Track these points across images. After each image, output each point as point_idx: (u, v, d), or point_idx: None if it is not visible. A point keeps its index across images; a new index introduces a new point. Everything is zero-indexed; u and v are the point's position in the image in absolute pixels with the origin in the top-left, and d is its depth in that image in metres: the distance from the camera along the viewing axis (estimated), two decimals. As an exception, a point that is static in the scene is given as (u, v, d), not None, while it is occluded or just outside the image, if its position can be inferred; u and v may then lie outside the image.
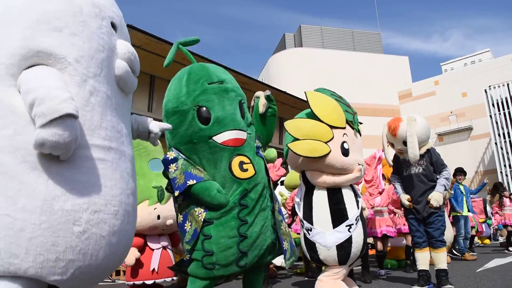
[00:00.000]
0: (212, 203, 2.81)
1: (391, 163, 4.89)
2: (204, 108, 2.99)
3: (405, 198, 4.54)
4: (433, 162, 4.58)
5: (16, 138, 1.63)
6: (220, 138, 2.97)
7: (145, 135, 2.44)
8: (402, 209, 4.96)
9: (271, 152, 3.32)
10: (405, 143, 4.54)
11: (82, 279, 1.76)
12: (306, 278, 5.88)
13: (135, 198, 2.08)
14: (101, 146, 1.83)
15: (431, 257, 4.45)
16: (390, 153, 5.01)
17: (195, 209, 2.86)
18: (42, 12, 1.76)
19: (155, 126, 2.46)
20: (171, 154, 3.02)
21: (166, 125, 2.59)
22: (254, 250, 2.85)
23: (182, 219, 2.96)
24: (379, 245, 6.18)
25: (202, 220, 2.80)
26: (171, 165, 2.98)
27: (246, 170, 2.97)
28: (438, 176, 4.54)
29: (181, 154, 3.03)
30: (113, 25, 2.07)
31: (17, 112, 1.65)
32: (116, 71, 2.00)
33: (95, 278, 1.88)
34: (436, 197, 4.38)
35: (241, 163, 2.97)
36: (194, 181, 2.83)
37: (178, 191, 2.87)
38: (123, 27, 2.20)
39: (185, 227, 2.89)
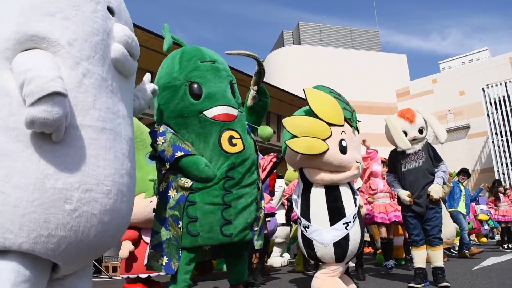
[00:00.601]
0: (200, 176, 2.84)
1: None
2: (196, 84, 3.06)
3: (405, 195, 4.49)
4: (431, 156, 4.60)
5: (10, 119, 1.70)
6: (211, 112, 3.02)
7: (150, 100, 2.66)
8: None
9: (266, 129, 3.26)
10: (420, 131, 4.58)
11: (75, 254, 1.83)
12: (306, 273, 5.89)
13: (132, 179, 2.13)
14: (94, 126, 1.88)
15: (427, 255, 4.46)
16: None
17: (182, 178, 2.90)
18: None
19: (150, 88, 2.66)
20: (159, 128, 3.06)
21: (154, 86, 2.72)
22: (239, 220, 2.90)
23: (165, 186, 2.97)
24: (384, 232, 6.20)
25: (189, 187, 2.85)
26: (159, 137, 3.01)
27: (235, 145, 3.03)
28: (436, 170, 4.56)
29: (170, 129, 3.06)
30: (110, 10, 2.11)
31: (11, 94, 1.72)
32: (112, 54, 2.05)
33: (87, 254, 1.95)
34: (436, 189, 4.39)
35: (231, 138, 3.03)
36: (182, 153, 2.88)
37: (169, 163, 2.93)
38: (123, 12, 2.24)
39: (169, 193, 2.91)
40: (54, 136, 1.71)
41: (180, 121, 3.06)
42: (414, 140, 4.60)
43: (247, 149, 3.10)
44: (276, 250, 8.16)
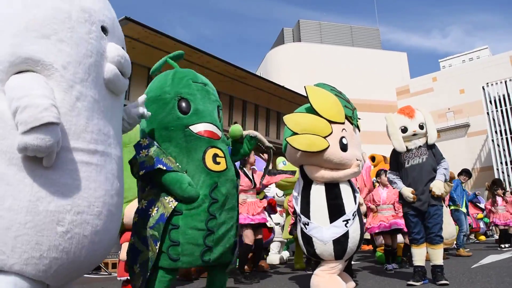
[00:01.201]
0: (182, 195, 2.82)
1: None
2: (185, 101, 3.08)
3: (409, 191, 4.45)
4: (433, 152, 4.61)
5: (3, 142, 1.71)
6: (197, 128, 3.03)
7: (135, 123, 2.65)
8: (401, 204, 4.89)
9: (236, 128, 3.37)
10: (421, 126, 4.58)
11: (65, 274, 1.86)
12: (307, 272, 5.90)
13: (120, 198, 2.15)
14: (86, 149, 1.91)
15: (427, 252, 4.47)
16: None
17: (166, 197, 2.87)
18: (31, 19, 1.81)
19: (139, 110, 2.62)
20: (144, 141, 3.03)
21: (145, 111, 2.68)
22: (219, 246, 2.90)
23: (146, 204, 2.92)
24: (386, 240, 6.26)
25: (173, 207, 2.81)
26: (143, 150, 2.97)
27: (219, 163, 3.03)
28: (437, 167, 4.56)
29: (155, 142, 3.04)
30: (104, 29, 2.11)
31: (4, 118, 1.72)
32: (105, 75, 2.06)
33: (77, 273, 1.99)
34: (438, 185, 4.39)
35: (215, 156, 3.02)
36: (164, 168, 2.84)
37: (143, 171, 2.87)
38: (116, 29, 2.24)
39: (150, 212, 2.86)
40: (45, 162, 1.73)
41: (164, 134, 3.05)
42: (414, 135, 4.60)
43: (230, 169, 3.10)
44: (273, 247, 8.17)
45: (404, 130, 4.61)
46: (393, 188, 5.48)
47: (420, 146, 4.57)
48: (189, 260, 2.81)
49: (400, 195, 4.65)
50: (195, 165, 2.96)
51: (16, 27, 1.78)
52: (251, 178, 5.32)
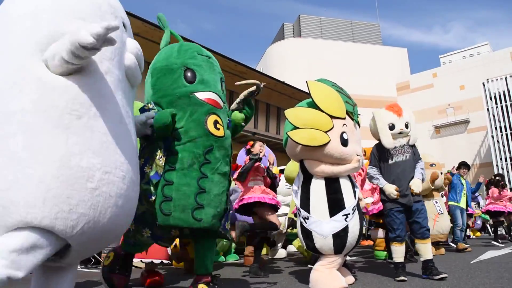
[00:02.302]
0: (162, 116, 2.91)
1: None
2: (191, 71, 3.23)
3: (392, 188, 4.38)
4: (414, 151, 4.64)
5: (41, 101, 1.87)
6: (202, 95, 3.18)
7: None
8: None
9: (236, 116, 3.57)
10: (406, 125, 4.58)
11: (90, 234, 1.92)
12: (309, 266, 5.92)
13: (137, 174, 2.31)
14: (113, 117, 2.09)
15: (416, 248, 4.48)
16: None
17: (157, 152, 2.99)
18: (67, 8, 2.09)
19: (149, 118, 3.01)
20: (148, 106, 3.19)
21: (152, 114, 3.03)
22: (211, 208, 2.99)
23: (143, 162, 3.03)
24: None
25: (163, 164, 2.94)
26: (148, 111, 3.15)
27: (218, 129, 3.18)
28: (415, 166, 4.58)
29: (160, 107, 3.19)
30: (124, 25, 2.40)
31: (42, 79, 1.91)
32: (125, 61, 2.30)
33: (101, 238, 2.05)
34: (417, 184, 4.39)
35: (216, 122, 3.18)
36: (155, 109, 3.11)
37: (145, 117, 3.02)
38: (130, 30, 2.54)
39: (145, 169, 2.97)
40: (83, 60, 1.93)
41: (170, 100, 3.19)
42: (400, 134, 4.60)
43: (227, 138, 3.26)
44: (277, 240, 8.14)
45: (392, 127, 4.60)
46: (374, 184, 5.39)
47: (404, 145, 4.59)
48: (180, 216, 2.89)
49: (382, 192, 4.60)
50: (195, 124, 3.09)
51: (57, 10, 2.05)
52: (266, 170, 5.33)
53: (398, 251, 4.41)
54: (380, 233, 7.06)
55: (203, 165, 3.03)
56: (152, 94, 3.29)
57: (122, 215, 2.10)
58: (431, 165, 8.36)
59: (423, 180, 4.59)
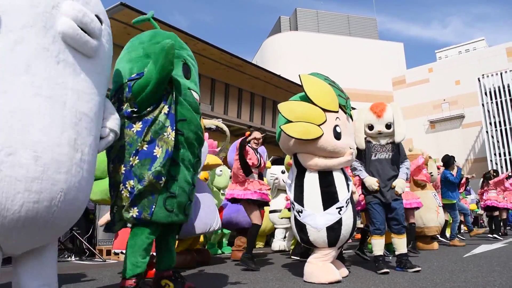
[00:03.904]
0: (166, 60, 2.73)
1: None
2: (187, 67, 3.16)
3: (374, 180, 4.47)
4: (399, 150, 4.67)
5: None
6: (195, 95, 3.16)
7: None
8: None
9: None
10: (388, 126, 4.59)
11: (4, 223, 1.79)
12: (293, 257, 5.94)
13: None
14: (23, 92, 1.89)
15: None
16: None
17: (164, 133, 2.85)
18: None
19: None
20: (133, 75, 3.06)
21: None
22: (192, 202, 3.07)
23: (147, 146, 2.85)
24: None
25: (173, 139, 2.83)
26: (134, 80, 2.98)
27: (204, 133, 3.28)
28: (400, 166, 4.63)
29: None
30: None
31: None
32: (59, 27, 2.08)
33: (23, 227, 1.87)
34: (400, 185, 4.46)
35: (203, 127, 3.35)
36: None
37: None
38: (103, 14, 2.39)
39: (155, 153, 2.83)
40: None
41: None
42: (380, 134, 4.64)
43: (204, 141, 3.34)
44: (277, 234, 8.09)
45: (371, 127, 4.67)
46: (354, 176, 5.41)
47: (387, 143, 4.62)
48: (177, 212, 2.88)
49: (363, 185, 4.65)
50: (193, 118, 3.03)
51: None
52: (258, 157, 5.20)
53: (378, 244, 4.48)
54: None
55: (196, 162, 3.09)
56: (141, 54, 3.03)
57: (44, 201, 1.90)
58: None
59: (407, 180, 4.67)
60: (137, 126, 2.88)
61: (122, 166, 2.86)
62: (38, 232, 1.99)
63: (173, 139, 2.83)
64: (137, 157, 2.83)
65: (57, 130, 1.98)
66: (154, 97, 2.86)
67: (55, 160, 1.94)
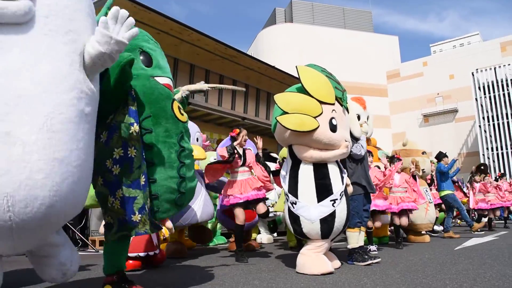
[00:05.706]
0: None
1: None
2: (146, 54, 3.04)
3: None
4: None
5: None
6: (162, 80, 3.03)
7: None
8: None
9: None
10: (367, 119, 4.87)
11: None
12: (294, 249, 5.97)
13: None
14: None
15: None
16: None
17: (130, 131, 2.66)
18: None
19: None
20: None
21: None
22: (189, 192, 3.00)
23: (122, 152, 2.66)
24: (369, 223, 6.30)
25: (138, 133, 2.69)
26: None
27: (183, 114, 3.10)
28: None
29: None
30: None
31: None
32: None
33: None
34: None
35: (179, 108, 3.09)
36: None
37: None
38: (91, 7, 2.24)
39: (129, 154, 2.66)
40: None
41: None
42: (362, 126, 4.78)
43: (187, 121, 3.19)
44: (261, 227, 8.22)
45: (358, 117, 4.79)
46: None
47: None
48: (167, 207, 2.86)
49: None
50: (163, 111, 2.93)
51: None
52: (241, 154, 5.17)
53: (354, 237, 4.52)
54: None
55: (181, 153, 2.95)
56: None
57: None
58: (423, 153, 8.43)
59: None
60: (104, 136, 2.71)
61: (101, 178, 2.70)
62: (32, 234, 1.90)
63: (138, 133, 2.70)
64: (118, 165, 2.66)
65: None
66: (111, 101, 2.69)
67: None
